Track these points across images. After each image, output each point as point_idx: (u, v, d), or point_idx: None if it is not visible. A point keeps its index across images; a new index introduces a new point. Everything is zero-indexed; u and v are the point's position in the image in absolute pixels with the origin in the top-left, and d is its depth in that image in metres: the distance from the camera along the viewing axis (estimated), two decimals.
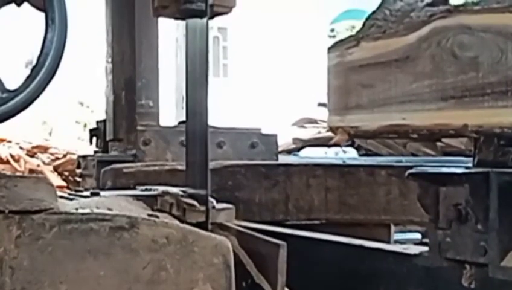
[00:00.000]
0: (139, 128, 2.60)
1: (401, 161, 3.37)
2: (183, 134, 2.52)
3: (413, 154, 5.87)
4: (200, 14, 1.82)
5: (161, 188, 1.89)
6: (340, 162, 2.80)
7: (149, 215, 1.63)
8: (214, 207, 1.78)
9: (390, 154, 6.00)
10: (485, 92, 1.18)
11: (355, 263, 1.75)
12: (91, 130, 3.06)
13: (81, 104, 10.33)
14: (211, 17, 1.85)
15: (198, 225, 1.68)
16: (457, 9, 1.23)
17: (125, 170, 2.36)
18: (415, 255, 1.53)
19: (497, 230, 1.30)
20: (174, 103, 11.80)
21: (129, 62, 2.64)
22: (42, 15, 1.73)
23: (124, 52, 2.65)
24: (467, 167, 1.45)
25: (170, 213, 1.78)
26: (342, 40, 1.47)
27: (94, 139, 2.98)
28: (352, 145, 6.71)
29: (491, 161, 1.40)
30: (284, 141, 7.19)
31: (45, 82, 1.70)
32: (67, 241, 1.44)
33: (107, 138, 2.73)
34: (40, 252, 1.42)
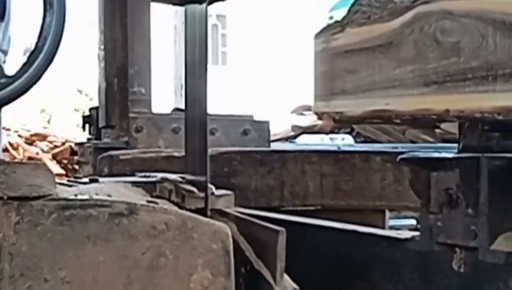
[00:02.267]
0: (131, 115, 2.61)
1: (396, 148, 3.38)
2: (175, 121, 2.59)
3: (412, 141, 5.88)
4: (199, 0, 1.81)
5: (160, 175, 1.89)
6: (335, 148, 2.80)
7: (148, 201, 1.63)
8: (213, 193, 1.78)
9: (390, 141, 6.02)
10: (467, 77, 1.18)
11: (349, 248, 1.77)
12: (84, 117, 3.08)
13: (80, 92, 10.32)
14: (210, 3, 1.84)
15: (197, 211, 1.67)
16: None
17: (121, 157, 2.37)
18: (407, 240, 1.55)
19: (487, 214, 1.31)
20: (173, 90, 11.79)
21: (121, 49, 2.64)
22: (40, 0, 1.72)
23: (116, 40, 2.65)
24: (457, 152, 1.47)
25: (169, 200, 1.78)
26: (328, 26, 1.47)
27: (87, 126, 3.00)
28: (351, 132, 6.72)
29: (476, 146, 1.41)
30: (283, 128, 7.19)
31: (44, 67, 1.69)
32: (66, 227, 1.43)
33: (100, 125, 2.73)
34: (39, 239, 1.42)
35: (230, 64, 18.89)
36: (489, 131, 1.38)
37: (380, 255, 1.68)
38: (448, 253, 1.42)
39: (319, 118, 1.52)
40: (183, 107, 1.90)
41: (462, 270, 1.40)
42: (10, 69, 1.68)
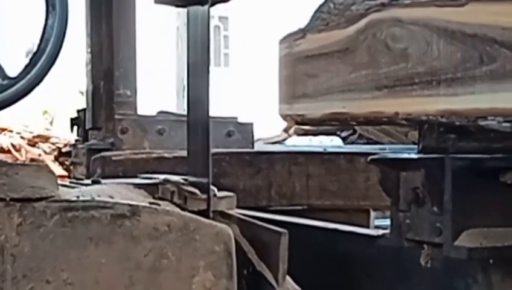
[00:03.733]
0: (116, 117, 2.63)
1: (384, 149, 3.42)
2: (160, 123, 2.61)
3: (414, 143, 5.87)
4: (201, 1, 1.82)
5: (162, 177, 1.88)
6: (321, 150, 2.85)
7: (150, 203, 1.62)
8: (215, 195, 1.77)
9: (392, 143, 6.01)
10: (414, 82, 1.24)
11: (330, 245, 1.86)
12: (72, 119, 3.12)
13: (82, 93, 10.33)
14: (212, 4, 1.84)
15: (199, 212, 1.67)
16: (391, 3, 1.30)
17: (113, 158, 2.41)
18: (379, 237, 1.63)
19: (450, 212, 1.38)
20: (175, 92, 11.83)
21: (107, 53, 2.68)
22: (43, 1, 1.73)
23: (102, 43, 2.69)
24: (417, 153, 1.55)
25: (171, 201, 1.76)
26: (290, 33, 1.54)
27: (75, 127, 3.04)
28: (353, 133, 6.73)
29: (434, 147, 1.48)
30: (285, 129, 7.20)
31: (46, 68, 1.67)
32: (69, 229, 1.42)
33: (87, 127, 2.78)
34: (41, 240, 1.41)
35: (233, 65, 18.93)
36: (445, 133, 1.45)
37: (358, 251, 1.77)
38: (416, 249, 1.49)
39: (284, 120, 1.60)
40: (183, 108, 1.90)
41: (429, 265, 1.47)
42: (12, 71, 1.67)
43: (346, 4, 1.40)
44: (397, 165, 1.51)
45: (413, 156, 1.52)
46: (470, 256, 1.36)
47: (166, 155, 2.37)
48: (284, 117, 1.57)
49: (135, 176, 2.10)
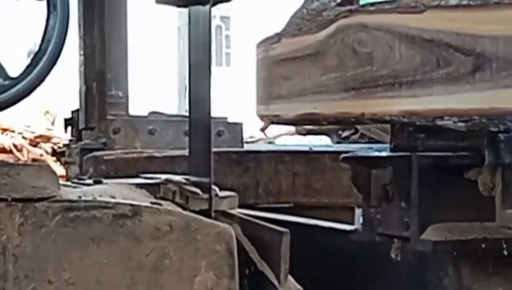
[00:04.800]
0: (109, 117, 2.65)
1: (371, 148, 3.48)
2: (151, 123, 2.64)
3: None
4: (203, 1, 1.83)
5: (164, 176, 1.88)
6: (306, 148, 2.90)
7: (152, 203, 1.62)
8: (217, 195, 1.78)
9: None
10: (378, 84, 1.29)
11: (311, 240, 1.93)
12: (66, 120, 3.16)
13: None
14: (214, 4, 1.85)
15: (201, 212, 1.67)
16: (357, 9, 1.35)
17: (105, 157, 2.43)
18: (351, 232, 1.68)
19: (417, 207, 1.43)
20: (177, 91, 11.84)
21: (100, 55, 2.73)
22: (44, 2, 1.73)
23: (95, 45, 2.74)
24: (390, 151, 1.61)
25: (173, 201, 1.76)
26: (267, 37, 1.59)
27: (69, 128, 3.10)
28: (355, 133, 6.73)
29: (405, 145, 1.53)
30: (288, 129, 7.22)
31: (47, 69, 1.69)
32: (70, 229, 1.42)
33: (80, 127, 2.83)
34: (43, 240, 1.41)
35: (234, 65, 18.90)
36: (415, 132, 1.51)
37: (336, 245, 1.85)
38: (387, 243, 1.54)
39: (261, 120, 1.65)
40: (185, 108, 1.94)
41: (399, 258, 1.51)
42: (14, 71, 1.69)
43: (318, 10, 1.44)
44: (368, 163, 1.57)
45: (383, 154, 1.58)
46: (435, 249, 1.40)
47: (156, 155, 2.40)
48: (261, 117, 1.61)
49: (134, 176, 2.12)
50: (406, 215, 1.46)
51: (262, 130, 5.98)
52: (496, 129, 1.21)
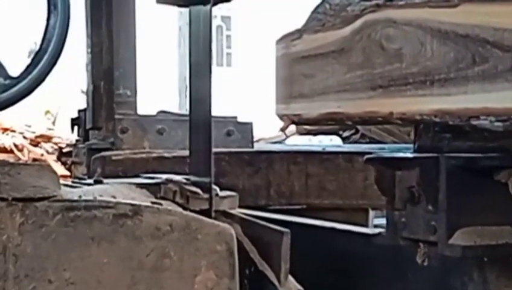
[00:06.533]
0: (116, 116, 2.65)
1: (383, 149, 3.46)
2: (160, 122, 2.63)
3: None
4: (204, 1, 1.82)
5: (164, 176, 1.88)
6: (320, 149, 2.88)
7: (152, 202, 1.63)
8: (217, 195, 1.77)
9: (394, 142, 6.02)
10: (408, 82, 1.26)
11: (328, 244, 1.89)
12: (73, 119, 3.15)
13: (84, 93, 10.33)
14: (215, 4, 1.84)
15: (201, 212, 1.67)
16: (385, 4, 1.32)
17: (113, 158, 2.42)
18: (374, 235, 1.65)
19: (445, 210, 1.41)
20: (177, 91, 11.86)
21: (107, 53, 2.72)
22: (45, 1, 1.73)
23: (103, 44, 2.73)
24: (413, 152, 1.58)
25: (174, 201, 1.75)
26: (287, 33, 1.56)
27: (76, 127, 3.08)
28: (355, 133, 6.73)
29: (430, 146, 1.51)
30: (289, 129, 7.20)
31: (48, 68, 1.69)
32: (71, 228, 1.43)
33: (87, 127, 2.81)
34: (43, 240, 1.41)
35: (235, 65, 18.95)
36: (440, 132, 1.48)
37: (355, 250, 1.80)
38: (412, 247, 1.52)
39: (281, 120, 1.62)
40: (185, 108, 1.91)
41: (426, 264, 1.50)
42: (14, 71, 1.69)
43: (342, 5, 1.41)
44: (393, 165, 1.53)
45: (409, 155, 1.54)
46: (464, 254, 1.38)
47: (166, 155, 2.39)
48: (281, 117, 1.59)
49: (136, 176, 2.11)
50: (433, 219, 1.43)
51: (283, 130, 5.96)
52: None
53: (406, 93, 1.26)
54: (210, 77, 1.79)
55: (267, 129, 6.25)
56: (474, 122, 1.18)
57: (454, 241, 1.39)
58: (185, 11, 1.90)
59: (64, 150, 3.21)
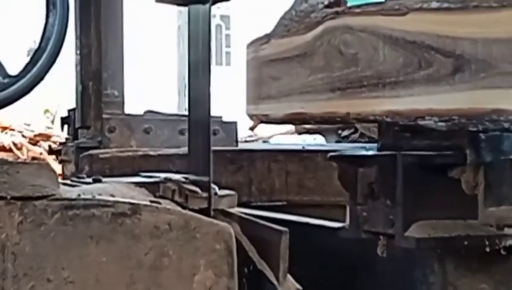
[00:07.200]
0: (104, 116, 2.71)
1: (365, 148, 3.51)
2: (147, 122, 2.69)
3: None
4: (203, 0, 1.81)
5: (163, 175, 1.88)
6: (299, 148, 2.93)
7: (151, 201, 1.62)
8: (216, 193, 1.77)
9: None
10: (363, 84, 1.33)
11: (302, 237, 1.92)
12: (62, 118, 3.20)
13: None
14: (214, 3, 1.83)
15: (200, 211, 1.66)
16: (343, 11, 1.39)
17: (101, 156, 2.48)
18: (338, 229, 1.70)
19: (402, 205, 1.45)
20: (177, 90, 11.86)
21: (96, 55, 2.77)
22: (44, 0, 1.70)
23: (91, 45, 2.78)
24: (377, 150, 1.64)
25: (172, 200, 1.75)
26: (257, 38, 1.62)
27: (66, 126, 3.14)
28: (355, 132, 6.74)
29: (390, 144, 1.56)
30: (288, 128, 7.24)
31: (47, 67, 1.69)
32: (69, 227, 1.42)
33: (76, 126, 2.87)
34: (42, 238, 1.41)
35: (234, 64, 18.89)
36: (400, 132, 1.54)
37: (324, 243, 1.87)
38: (373, 240, 1.57)
39: (251, 119, 1.68)
40: (184, 107, 1.95)
41: (385, 255, 1.53)
42: (13, 69, 1.69)
43: (307, 12, 1.47)
44: (354, 162, 1.59)
45: (369, 153, 1.60)
46: (419, 246, 1.43)
47: (151, 153, 2.44)
48: (251, 117, 1.64)
49: (123, 174, 2.11)
50: (390, 213, 1.49)
51: (252, 129, 6.03)
52: (475, 129, 1.23)
53: (361, 95, 1.32)
54: (209, 76, 1.80)
55: (268, 128, 6.27)
56: (421, 122, 1.25)
57: (410, 234, 1.43)
58: (184, 10, 1.90)
59: (55, 148, 3.25)
